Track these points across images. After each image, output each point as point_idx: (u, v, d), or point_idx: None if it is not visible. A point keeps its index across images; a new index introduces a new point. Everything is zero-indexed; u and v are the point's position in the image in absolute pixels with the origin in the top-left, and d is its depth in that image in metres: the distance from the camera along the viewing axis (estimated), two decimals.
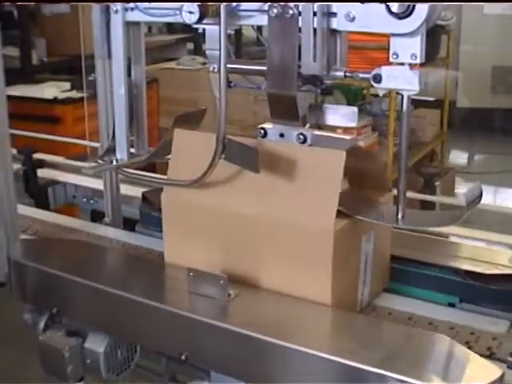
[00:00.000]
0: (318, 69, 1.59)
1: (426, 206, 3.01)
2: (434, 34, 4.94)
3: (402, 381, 1.33)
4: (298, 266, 1.63)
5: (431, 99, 5.57)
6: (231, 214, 1.70)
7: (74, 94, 4.72)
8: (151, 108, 4.99)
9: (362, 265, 1.74)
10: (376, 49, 3.97)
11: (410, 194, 2.11)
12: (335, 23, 1.57)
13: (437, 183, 4.12)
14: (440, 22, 4.71)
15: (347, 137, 1.62)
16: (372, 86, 1.57)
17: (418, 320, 1.73)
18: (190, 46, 7.75)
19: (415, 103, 5.33)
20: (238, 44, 6.96)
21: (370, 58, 4.12)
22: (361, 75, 1.60)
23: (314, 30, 1.57)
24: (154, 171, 2.48)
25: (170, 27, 7.64)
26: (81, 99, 3.79)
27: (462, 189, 5.19)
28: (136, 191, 2.50)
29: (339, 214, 1.58)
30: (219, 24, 1.56)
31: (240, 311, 1.60)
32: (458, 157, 6.88)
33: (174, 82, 5.45)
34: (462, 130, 7.09)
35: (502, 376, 1.37)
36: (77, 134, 3.77)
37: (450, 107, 6.16)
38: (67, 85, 4.91)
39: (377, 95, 4.99)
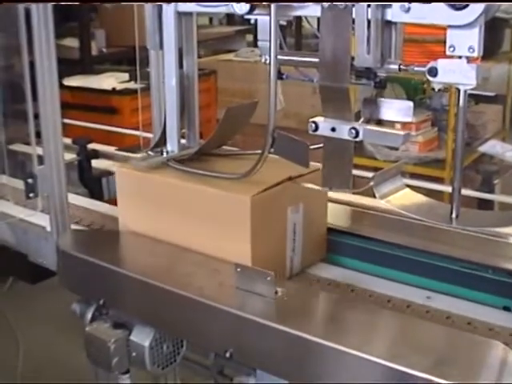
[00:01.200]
0: (372, 61, 1.54)
1: (484, 205, 2.93)
2: (496, 28, 4.85)
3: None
4: (222, 231, 1.77)
5: (492, 94, 5.46)
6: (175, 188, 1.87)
7: (132, 85, 4.73)
8: (209, 100, 5.00)
9: (290, 234, 1.85)
10: (436, 42, 3.90)
11: (466, 192, 2.05)
12: (390, 14, 1.52)
13: (496, 181, 4.02)
14: (503, 15, 4.61)
15: (401, 132, 1.57)
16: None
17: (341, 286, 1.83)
18: (250, 37, 7.74)
19: (476, 98, 5.25)
20: (297, 36, 6.91)
21: (429, 52, 4.05)
22: (416, 68, 1.55)
23: (368, 21, 1.52)
24: None
25: (230, 19, 7.62)
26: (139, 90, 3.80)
27: None
28: None
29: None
30: (269, 14, 1.52)
31: (286, 310, 1.57)
32: None
33: (233, 74, 5.43)
34: None
35: None
36: (134, 124, 3.76)
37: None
38: (125, 75, 4.93)
39: (438, 90, 4.91)
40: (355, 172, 1.68)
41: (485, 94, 5.22)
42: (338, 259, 1.99)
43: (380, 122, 1.70)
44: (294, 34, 6.86)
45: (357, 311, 1.59)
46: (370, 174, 1.70)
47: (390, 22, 1.55)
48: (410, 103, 1.71)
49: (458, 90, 1.52)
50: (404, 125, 4.26)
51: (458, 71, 1.49)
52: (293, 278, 1.88)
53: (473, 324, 1.68)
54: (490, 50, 4.94)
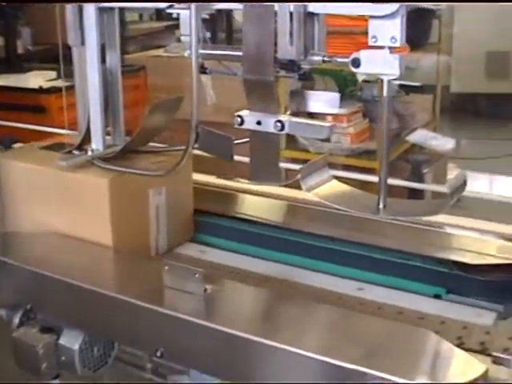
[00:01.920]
0: (295, 53, 1.53)
1: (415, 194, 2.96)
2: (423, 19, 4.88)
3: (382, 378, 1.28)
4: (86, 214, 1.86)
5: (418, 84, 5.50)
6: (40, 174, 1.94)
7: (60, 83, 4.65)
8: (138, 96, 4.94)
9: (153, 215, 1.94)
10: (365, 33, 3.90)
11: (395, 182, 2.05)
12: (312, 6, 1.51)
13: (425, 170, 4.07)
14: (430, 7, 4.64)
15: (326, 124, 1.56)
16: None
17: (222, 268, 1.91)
18: (179, 33, 7.66)
19: (406, 89, 5.29)
20: (228, 30, 6.88)
21: (358, 43, 4.06)
22: (339, 60, 1.54)
23: (291, 13, 1.51)
24: None
25: (160, 14, 7.56)
26: (66, 88, 3.73)
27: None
28: None
29: None
30: (189, 8, 1.50)
31: (216, 307, 1.56)
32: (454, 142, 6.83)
33: (162, 70, 5.36)
34: (456, 115, 7.04)
35: (486, 372, 1.31)
36: (63, 123, 3.70)
37: (444, 93, 6.10)
38: (53, 74, 4.84)
39: (368, 81, 4.94)
40: (288, 165, 1.67)
41: (415, 85, 5.25)
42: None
43: (312, 115, 1.69)
44: (224, 28, 6.83)
45: (288, 306, 1.58)
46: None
47: (312, 14, 1.54)
48: (337, 94, 1.71)
49: (382, 81, 1.51)
50: (335, 116, 4.29)
51: (380, 62, 1.48)
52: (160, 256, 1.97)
53: (404, 313, 1.68)
54: (418, 40, 4.98)
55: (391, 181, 1.71)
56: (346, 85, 5.16)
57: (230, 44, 6.63)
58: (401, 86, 5.25)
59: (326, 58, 1.56)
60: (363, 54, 1.49)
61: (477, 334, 1.56)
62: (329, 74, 5.01)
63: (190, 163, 1.98)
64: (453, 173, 5.11)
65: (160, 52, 6.04)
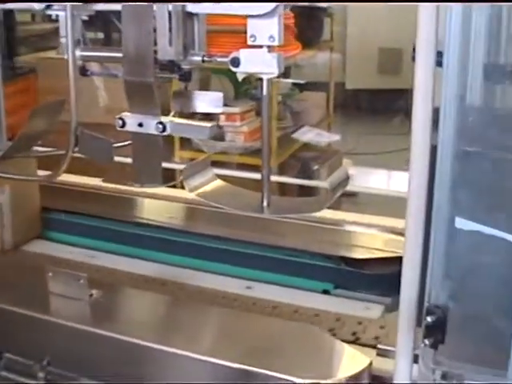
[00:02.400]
0: (174, 54, 1.52)
1: (306, 192, 2.98)
2: (315, 17, 4.93)
3: (267, 375, 1.29)
4: None
5: (303, 82, 5.54)
6: None
7: None
8: (28, 100, 4.84)
9: None
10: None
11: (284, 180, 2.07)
12: (190, 5, 1.50)
13: (316, 167, 4.10)
14: (321, 5, 4.69)
15: (207, 124, 1.55)
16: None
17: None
18: None
19: (301, 86, 5.34)
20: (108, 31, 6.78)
21: (243, 42, 4.07)
22: (219, 59, 1.54)
23: (170, 13, 1.50)
24: None
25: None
26: None
27: (350, 171, 5.20)
28: None
29: None
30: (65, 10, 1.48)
31: (103, 312, 1.54)
32: (348, 139, 6.91)
33: (54, 72, 5.27)
34: (351, 111, 7.13)
35: (370, 364, 1.34)
36: None
37: (339, 89, 6.18)
38: None
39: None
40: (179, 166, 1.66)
41: (302, 82, 5.30)
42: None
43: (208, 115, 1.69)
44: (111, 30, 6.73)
45: (177, 309, 1.58)
46: None
47: (191, 14, 1.53)
48: (220, 94, 1.70)
49: (261, 79, 1.51)
50: (228, 116, 4.30)
51: (259, 61, 1.49)
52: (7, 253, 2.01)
53: (299, 311, 1.69)
54: (311, 38, 5.03)
55: (278, 178, 1.72)
56: (242, 84, 5.18)
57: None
58: (294, 83, 5.30)
59: (206, 58, 1.55)
60: (242, 54, 1.50)
61: (371, 329, 1.60)
62: (223, 73, 5.02)
63: (34, 162, 2.01)
64: (348, 168, 5.17)
65: (52, 54, 5.94)
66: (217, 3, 1.47)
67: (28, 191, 2.09)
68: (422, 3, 1.15)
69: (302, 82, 5.26)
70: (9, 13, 4.83)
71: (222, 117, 4.20)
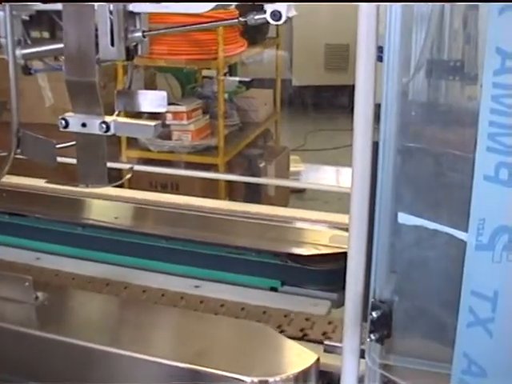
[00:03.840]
0: (117, 53, 1.51)
1: (253, 188, 2.99)
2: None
3: (213, 374, 1.29)
4: None
5: (248, 80, 5.55)
6: None
7: None
8: None
9: None
10: (202, 30, 3.91)
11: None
12: (132, 5, 1.50)
13: (262, 164, 4.11)
14: (264, 3, 4.68)
15: (151, 123, 1.54)
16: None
17: None
18: None
19: (247, 84, 5.35)
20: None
21: (196, 40, 4.07)
22: None
23: (111, 12, 1.49)
24: None
25: None
26: None
27: (299, 167, 5.23)
28: None
29: None
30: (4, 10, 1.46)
31: (49, 315, 1.52)
32: (295, 135, 6.94)
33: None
34: (298, 108, 7.15)
35: (318, 361, 1.35)
36: None
37: (286, 86, 6.19)
38: None
39: (209, 77, 4.94)
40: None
41: (257, 79, 5.32)
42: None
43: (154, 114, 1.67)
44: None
45: (125, 309, 1.57)
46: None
47: (133, 13, 1.53)
48: (164, 93, 1.69)
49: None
50: (175, 114, 4.28)
51: None
52: None
53: (246, 309, 1.69)
54: (256, 36, 5.03)
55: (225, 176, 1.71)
56: (188, 82, 5.17)
57: None
58: (240, 81, 5.30)
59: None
60: None
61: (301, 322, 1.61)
62: (170, 72, 5.00)
63: None
64: (296, 165, 5.19)
65: None
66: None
67: None
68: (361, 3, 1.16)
69: (248, 79, 5.28)
70: None
71: (169, 115, 4.18)
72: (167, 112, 4.02)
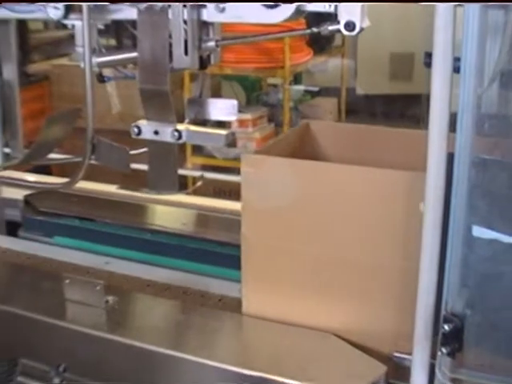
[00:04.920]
0: (190, 62, 1.53)
1: None
2: (325, 23, 4.92)
3: (281, 383, 1.29)
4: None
5: (315, 89, 5.54)
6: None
7: None
8: (42, 106, 4.86)
9: None
10: (272, 39, 3.93)
11: None
12: (206, 14, 1.51)
13: None
14: (332, 11, 4.68)
15: (223, 132, 1.56)
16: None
17: None
18: None
19: (312, 92, 5.34)
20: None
21: (263, 49, 4.09)
22: None
23: (185, 22, 1.51)
24: (46, 172, 2.39)
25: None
26: None
27: None
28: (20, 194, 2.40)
29: None
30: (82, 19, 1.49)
31: (118, 319, 1.55)
32: None
33: (67, 78, 5.31)
34: (362, 117, 7.12)
35: (386, 372, 1.34)
36: None
37: (350, 95, 6.17)
38: None
39: (274, 85, 4.95)
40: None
41: (321, 87, 5.31)
42: None
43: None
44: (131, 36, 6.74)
45: (193, 315, 1.58)
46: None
47: (206, 23, 1.54)
48: (235, 101, 1.71)
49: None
50: (241, 122, 4.30)
51: None
52: None
53: None
54: (323, 44, 5.03)
55: None
56: (253, 90, 5.18)
57: None
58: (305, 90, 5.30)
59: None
60: None
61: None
62: (235, 79, 5.02)
63: None
64: None
65: (64, 61, 5.97)
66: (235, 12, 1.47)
67: None
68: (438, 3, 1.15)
69: (314, 88, 5.27)
70: (22, 21, 4.85)
71: (235, 123, 4.19)
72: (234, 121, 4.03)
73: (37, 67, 5.50)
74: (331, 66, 5.61)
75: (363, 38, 7.57)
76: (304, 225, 1.52)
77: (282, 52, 4.20)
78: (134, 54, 1.57)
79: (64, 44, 7.13)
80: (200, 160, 4.44)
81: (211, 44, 1.57)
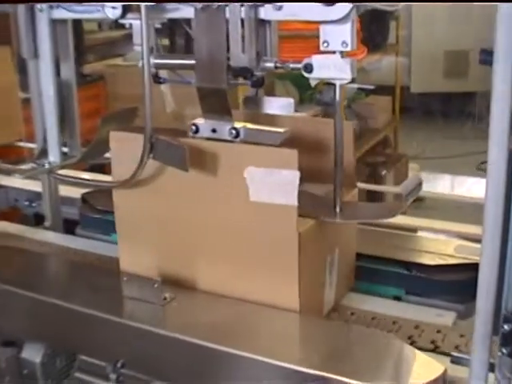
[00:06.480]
0: (248, 60, 1.53)
1: (373, 196, 2.96)
2: (381, 20, 4.91)
3: (343, 382, 1.28)
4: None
5: (370, 87, 5.51)
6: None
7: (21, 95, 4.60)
8: (97, 106, 4.91)
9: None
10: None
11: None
12: (263, 13, 1.52)
13: (383, 172, 4.06)
14: (387, 8, 4.66)
15: (280, 130, 1.56)
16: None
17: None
18: None
19: (366, 91, 5.31)
20: (188, 38, 6.85)
21: (318, 47, 4.07)
22: (292, 65, 1.55)
23: (242, 20, 1.51)
24: (101, 171, 2.41)
25: (119, 23, 7.49)
26: (27, 100, 3.70)
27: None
28: (77, 192, 2.42)
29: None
30: (140, 18, 1.50)
31: (176, 316, 1.55)
32: (414, 143, 6.87)
33: (122, 78, 5.36)
34: (416, 115, 7.08)
35: (445, 372, 1.33)
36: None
37: (404, 93, 6.13)
38: None
39: (329, 83, 4.93)
40: None
41: (368, 87, 5.28)
42: None
43: None
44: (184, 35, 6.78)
45: (249, 315, 1.58)
46: None
47: (263, 21, 1.55)
48: (291, 100, 1.72)
49: (334, 85, 1.52)
50: None
51: (332, 66, 1.49)
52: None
53: (377, 318, 1.68)
54: (377, 42, 5.01)
55: None
56: (306, 88, 5.17)
57: (189, 51, 6.60)
58: (359, 88, 5.27)
59: (278, 64, 1.57)
60: (315, 59, 1.51)
61: (432, 334, 1.58)
62: (288, 78, 5.02)
63: None
64: (415, 173, 5.13)
65: (119, 61, 6.02)
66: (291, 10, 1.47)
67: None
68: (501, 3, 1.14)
69: (369, 87, 5.25)
70: (77, 21, 4.92)
71: None
72: None
73: (92, 67, 5.56)
74: (385, 64, 5.58)
75: (417, 36, 7.55)
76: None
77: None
78: (192, 61, 1.58)
79: (118, 45, 7.22)
80: None
81: (270, 65, 1.57)
